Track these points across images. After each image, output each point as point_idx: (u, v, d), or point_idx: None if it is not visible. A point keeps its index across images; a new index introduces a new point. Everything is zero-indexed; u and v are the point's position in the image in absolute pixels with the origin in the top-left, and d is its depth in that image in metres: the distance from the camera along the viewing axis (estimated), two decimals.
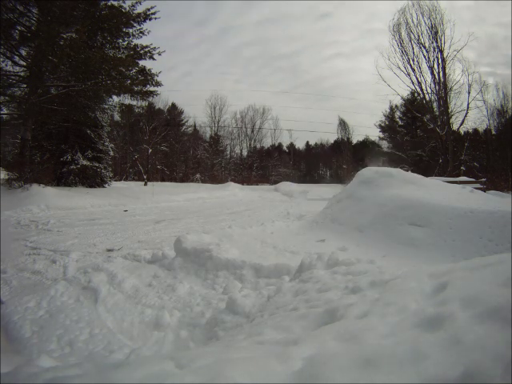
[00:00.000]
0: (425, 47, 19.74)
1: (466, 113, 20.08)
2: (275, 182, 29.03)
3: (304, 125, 41.27)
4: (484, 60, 38.57)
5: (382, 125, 30.96)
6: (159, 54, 13.51)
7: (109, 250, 4.80)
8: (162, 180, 28.94)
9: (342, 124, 34.53)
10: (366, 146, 34.27)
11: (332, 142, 41.11)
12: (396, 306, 1.24)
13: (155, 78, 13.62)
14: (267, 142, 39.81)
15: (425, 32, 19.57)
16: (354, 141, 36.20)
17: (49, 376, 1.03)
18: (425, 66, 20.05)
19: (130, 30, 13.26)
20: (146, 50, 13.32)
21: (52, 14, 10.32)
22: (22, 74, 11.70)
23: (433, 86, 20.15)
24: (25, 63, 11.54)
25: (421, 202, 4.71)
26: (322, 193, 17.90)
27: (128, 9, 12.77)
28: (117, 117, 26.41)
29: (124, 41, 13.52)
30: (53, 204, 8.98)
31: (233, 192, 18.48)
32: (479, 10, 36.11)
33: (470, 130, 24.12)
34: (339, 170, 35.69)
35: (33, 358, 1.87)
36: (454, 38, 19.09)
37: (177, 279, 3.40)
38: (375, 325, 1.12)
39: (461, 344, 0.87)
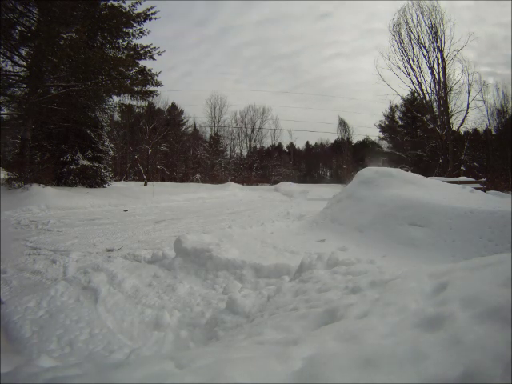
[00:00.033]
0: (425, 47, 19.76)
1: (466, 113, 20.10)
2: (275, 182, 29.04)
3: (304, 125, 41.32)
4: (484, 60, 38.70)
5: (382, 125, 31.00)
6: (159, 54, 13.52)
7: (109, 250, 4.80)
8: (162, 180, 28.95)
9: (342, 124, 34.57)
10: (366, 145, 34.28)
11: (332, 142, 41.18)
12: (396, 306, 1.24)
13: (155, 77, 13.63)
14: (267, 142, 39.89)
15: (425, 32, 19.59)
16: (354, 141, 36.27)
17: (49, 376, 1.03)
18: (425, 66, 20.08)
19: (130, 30, 13.28)
20: (146, 50, 13.33)
21: (52, 14, 10.32)
22: (22, 73, 11.71)
23: (433, 86, 20.18)
24: (25, 63, 11.54)
25: (421, 202, 4.71)
26: (322, 193, 17.90)
27: (128, 9, 12.79)
28: (117, 117, 26.42)
29: (124, 41, 13.54)
30: (53, 204, 8.98)
31: (233, 192, 18.48)
32: (479, 10, 36.21)
33: (470, 130, 24.15)
34: (339, 170, 35.71)
35: (33, 358, 1.87)
36: (453, 38, 19.12)
37: (177, 279, 3.40)
38: (375, 325, 1.12)
39: (461, 344, 0.87)
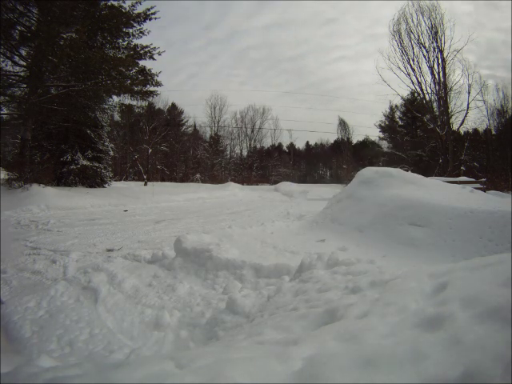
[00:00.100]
0: (425, 47, 19.76)
1: (466, 113, 20.10)
2: (275, 182, 29.04)
3: (304, 125, 41.42)
4: (484, 63, 38.90)
5: (382, 125, 31.01)
6: (159, 54, 13.52)
7: (109, 250, 4.80)
8: (162, 180, 28.96)
9: (342, 124, 34.60)
10: (366, 145, 34.32)
11: (332, 142, 41.20)
12: (396, 306, 1.24)
13: (155, 77, 13.63)
14: (267, 142, 39.91)
15: (425, 32, 19.59)
16: (354, 141, 36.31)
17: (49, 376, 1.03)
18: (425, 66, 20.07)
19: (130, 30, 13.27)
20: (146, 50, 13.32)
21: (52, 14, 10.32)
22: (22, 73, 11.70)
23: (433, 86, 20.18)
24: (25, 63, 11.54)
25: (421, 202, 4.71)
26: (322, 193, 17.91)
27: (128, 9, 12.78)
28: (117, 117, 26.44)
29: (124, 41, 13.53)
30: (53, 204, 8.98)
31: (233, 192, 18.48)
32: (479, 15, 36.36)
33: (470, 130, 24.15)
34: (339, 169, 35.70)
35: (33, 358, 1.87)
36: (453, 38, 19.12)
37: (177, 279, 3.40)
38: (375, 325, 1.12)
39: (461, 344, 0.87)
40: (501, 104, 23.61)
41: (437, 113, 20.72)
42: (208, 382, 0.87)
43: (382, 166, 24.93)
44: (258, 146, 38.16)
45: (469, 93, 19.73)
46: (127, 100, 16.69)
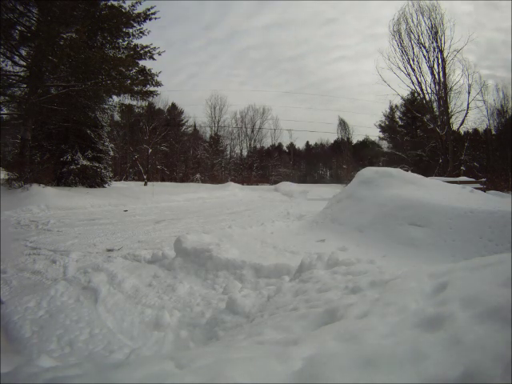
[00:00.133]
0: (425, 47, 19.76)
1: (466, 113, 20.11)
2: (275, 182, 29.05)
3: (304, 125, 41.46)
4: (483, 63, 38.97)
5: (382, 125, 31.02)
6: (159, 54, 13.52)
7: (109, 250, 4.80)
8: (162, 180, 28.97)
9: (342, 124, 34.61)
10: (366, 145, 34.33)
11: (332, 142, 41.21)
12: (396, 306, 1.24)
13: (155, 77, 13.63)
14: (267, 142, 39.92)
15: (425, 32, 19.59)
16: (354, 141, 36.31)
17: (49, 376, 1.03)
18: (425, 66, 20.07)
19: (130, 30, 13.27)
20: (146, 50, 13.32)
21: (52, 13, 10.32)
22: (22, 73, 11.70)
23: (433, 86, 20.18)
24: (25, 63, 11.54)
25: (421, 202, 4.72)
26: (322, 193, 17.91)
27: (128, 9, 12.78)
28: (117, 117, 26.44)
29: (124, 41, 13.53)
30: (53, 204, 8.98)
31: (233, 192, 18.48)
32: (479, 15, 36.42)
33: (470, 130, 24.16)
34: (339, 169, 35.70)
35: (33, 358, 1.87)
36: (453, 38, 19.12)
37: (177, 279, 3.40)
38: (375, 325, 1.12)
39: (461, 344, 0.87)
40: (501, 104, 23.64)
41: (437, 113, 20.73)
42: (208, 382, 0.87)
43: (382, 165, 24.94)
44: (258, 146, 38.21)
45: (469, 93, 19.75)
46: (127, 100, 16.72)
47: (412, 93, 22.77)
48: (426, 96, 20.62)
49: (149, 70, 13.47)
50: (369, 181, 5.92)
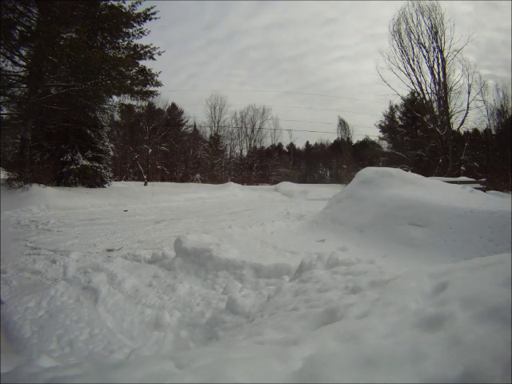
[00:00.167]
0: (425, 47, 19.76)
1: (466, 113, 20.11)
2: (275, 182, 29.05)
3: (304, 125, 41.51)
4: (483, 63, 39.01)
5: (382, 125, 31.02)
6: (159, 54, 13.52)
7: (109, 250, 4.80)
8: (162, 180, 28.97)
9: (342, 124, 34.62)
10: (366, 145, 34.33)
11: (332, 142, 41.22)
12: (396, 306, 1.24)
13: (155, 77, 13.63)
14: (267, 142, 39.92)
15: (425, 32, 19.59)
16: (354, 141, 36.32)
17: (49, 376, 1.03)
18: (425, 66, 20.07)
19: (130, 30, 13.27)
20: (146, 50, 13.32)
21: (52, 14, 10.32)
22: (22, 73, 11.70)
23: (433, 86, 20.18)
24: (25, 63, 11.54)
25: (421, 202, 4.71)
26: (322, 193, 17.90)
27: (128, 9, 12.78)
28: (117, 117, 26.44)
29: (124, 41, 13.54)
30: (53, 204, 8.98)
31: (233, 192, 18.48)
32: (479, 15, 36.43)
33: (470, 130, 24.16)
34: (339, 169, 35.71)
35: (33, 358, 1.87)
36: (453, 38, 19.12)
37: (177, 279, 3.40)
38: (375, 325, 1.12)
39: (461, 344, 0.87)
40: (501, 104, 23.64)
41: (437, 113, 20.73)
42: (208, 382, 0.87)
43: (382, 165, 24.95)
44: (258, 146, 38.21)
45: (469, 93, 19.75)
46: (127, 100, 16.72)
47: (412, 93, 22.79)
48: (426, 96, 20.64)
49: (149, 70, 13.47)
50: (369, 181, 5.92)
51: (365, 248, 4.25)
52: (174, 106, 34.64)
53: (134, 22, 13.10)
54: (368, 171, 6.31)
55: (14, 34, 11.06)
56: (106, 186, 14.97)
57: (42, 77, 11.44)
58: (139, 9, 13.09)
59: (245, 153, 37.48)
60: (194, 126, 36.53)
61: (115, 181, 19.82)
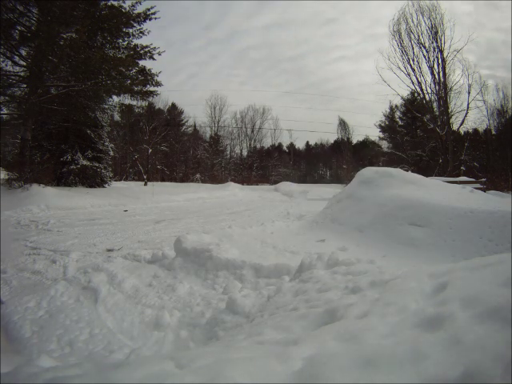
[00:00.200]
0: (425, 47, 19.76)
1: (466, 113, 20.11)
2: (275, 182, 29.05)
3: (304, 125, 41.50)
4: (483, 63, 39.05)
5: (382, 125, 31.01)
6: (159, 54, 13.52)
7: (109, 250, 4.80)
8: (162, 180, 28.97)
9: (342, 124, 34.63)
10: (366, 145, 34.34)
11: (332, 142, 41.23)
12: (396, 306, 1.24)
13: (155, 77, 13.63)
14: (267, 142, 39.93)
15: (425, 32, 19.59)
16: (354, 141, 36.33)
17: (49, 376, 1.03)
18: (425, 66, 20.08)
19: (130, 30, 13.26)
20: (146, 50, 13.32)
21: (52, 14, 10.32)
22: (22, 74, 11.70)
23: (433, 86, 20.18)
24: (25, 63, 11.53)
25: (421, 202, 4.71)
26: (322, 193, 17.89)
27: (128, 9, 12.78)
28: (117, 117, 26.43)
29: (124, 41, 13.52)
30: (53, 204, 8.98)
31: (233, 192, 18.48)
32: (479, 15, 36.44)
33: (470, 130, 24.17)
34: (339, 169, 35.72)
35: (33, 358, 1.87)
36: (453, 38, 19.12)
37: (177, 279, 3.40)
38: (375, 325, 1.12)
39: (461, 344, 0.87)
40: (501, 104, 23.66)
41: (437, 113, 20.73)
42: (208, 382, 0.87)
43: (382, 166, 24.96)
44: (258, 146, 38.22)
45: (469, 93, 19.76)
46: (127, 100, 16.72)
47: (412, 93, 22.79)
48: (426, 96, 20.65)
49: (149, 70, 13.47)
50: (369, 181, 5.92)
51: (365, 248, 4.25)
52: (174, 105, 34.67)
53: (134, 22, 13.09)
54: (368, 171, 6.31)
55: (14, 34, 11.05)
56: (106, 186, 14.97)
57: (41, 77, 11.44)
58: (139, 9, 13.11)
59: (245, 153, 37.54)
60: (194, 125, 36.58)
61: (115, 181, 19.82)
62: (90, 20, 11.46)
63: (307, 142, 45.89)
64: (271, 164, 37.34)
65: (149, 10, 13.07)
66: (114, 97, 14.84)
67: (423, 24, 19.51)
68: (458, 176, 15.07)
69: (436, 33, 19.33)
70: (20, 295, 2.94)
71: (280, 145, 41.54)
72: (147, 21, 13.22)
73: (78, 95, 11.99)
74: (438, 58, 19.65)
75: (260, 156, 37.31)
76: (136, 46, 13.45)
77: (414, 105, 23.59)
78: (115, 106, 16.14)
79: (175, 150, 33.07)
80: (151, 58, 13.48)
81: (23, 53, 11.56)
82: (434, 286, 1.31)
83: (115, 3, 12.53)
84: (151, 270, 3.71)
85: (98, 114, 14.53)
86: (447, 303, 1.10)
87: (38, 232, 6.11)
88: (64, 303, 2.77)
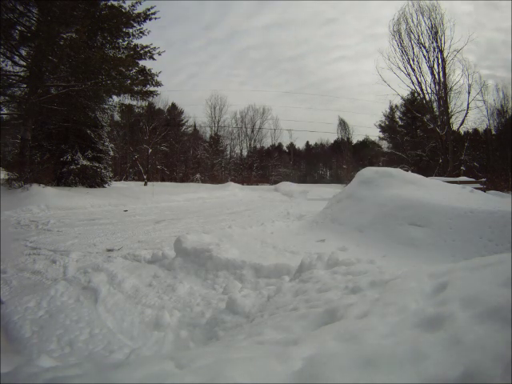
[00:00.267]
0: (425, 47, 19.77)
1: (466, 113, 20.12)
2: (275, 182, 29.05)
3: (304, 125, 41.53)
4: (483, 63, 39.10)
5: (382, 125, 31.01)
6: (159, 54, 13.52)
7: (109, 250, 4.80)
8: (162, 180, 28.98)
9: (342, 124, 34.63)
10: (366, 145, 34.35)
11: (332, 142, 41.23)
12: (396, 306, 1.24)
13: (155, 77, 13.63)
14: (267, 142, 39.93)
15: (425, 32, 19.60)
16: (354, 141, 36.33)
17: (49, 376, 1.03)
18: (425, 66, 20.08)
19: (130, 30, 13.26)
20: (146, 50, 13.32)
21: (52, 14, 10.32)
22: (22, 74, 11.70)
23: (433, 86, 20.19)
24: (25, 63, 11.53)
25: (421, 202, 4.71)
26: (322, 193, 17.89)
27: (128, 9, 12.78)
28: (117, 117, 26.43)
29: (124, 41, 13.53)
30: (53, 204, 8.98)
31: (233, 192, 18.48)
32: (479, 15, 36.46)
33: (470, 130, 24.17)
34: (339, 169, 35.72)
35: (33, 358, 1.87)
36: (453, 38, 19.12)
37: (177, 279, 3.40)
38: (375, 325, 1.12)
39: (461, 344, 0.87)
40: (501, 104, 23.66)
41: (437, 113, 20.74)
42: (208, 382, 0.87)
43: (382, 166, 24.96)
44: (258, 146, 38.22)
45: (469, 93, 19.76)
46: (127, 100, 16.72)
47: (412, 93, 22.80)
48: (426, 96, 20.65)
49: (149, 70, 13.47)
50: (369, 181, 5.92)
51: (365, 248, 4.25)
52: (174, 105, 34.67)
53: (134, 22, 13.09)
54: (368, 171, 6.31)
55: (14, 34, 11.05)
56: (106, 186, 14.97)
57: (41, 77, 11.44)
58: (139, 9, 13.11)
59: (245, 153, 37.54)
60: (194, 125, 36.59)
61: (115, 181, 19.82)
62: (90, 20, 11.46)
63: (307, 142, 45.96)
64: (271, 164, 37.34)
65: (149, 10, 13.09)
66: (114, 97, 14.86)
67: (423, 24, 19.54)
68: (457, 176, 15.08)
69: (436, 33, 19.34)
70: (20, 295, 2.94)
71: (280, 145, 41.58)
72: (147, 21, 13.23)
73: (78, 95, 12.00)
74: (438, 57, 19.67)
75: (260, 156, 37.31)
76: (136, 45, 13.45)
77: (414, 105, 23.60)
78: (115, 106, 16.15)
79: (175, 150, 33.07)
80: (151, 58, 13.48)
81: (23, 53, 11.56)
82: (434, 286, 1.31)
83: (115, 3, 12.55)
84: (151, 269, 3.71)
85: (98, 114, 14.53)
86: (447, 303, 1.10)
87: (37, 232, 6.11)
88: (64, 303, 2.77)
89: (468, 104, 19.86)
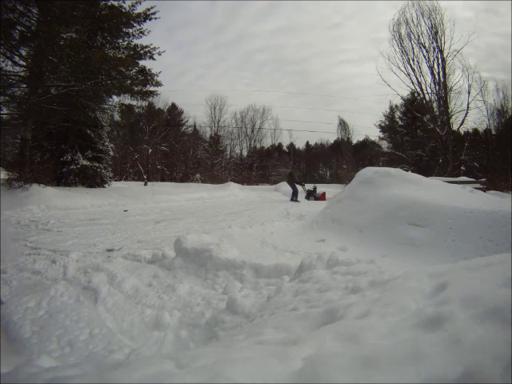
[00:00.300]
0: (425, 47, 19.79)
1: (466, 113, 20.14)
2: (275, 182, 29.02)
3: (304, 125, 41.61)
4: (483, 66, 39.37)
5: (382, 125, 31.02)
6: (159, 54, 13.50)
7: (109, 250, 4.80)
8: (162, 180, 28.99)
9: (342, 124, 34.60)
10: (366, 145, 34.37)
11: (332, 142, 41.24)
12: (396, 306, 1.24)
13: (155, 78, 13.62)
14: (267, 142, 39.92)
15: (425, 32, 19.62)
16: (354, 141, 36.32)
17: (49, 376, 1.03)
18: (425, 67, 20.12)
19: (130, 30, 13.26)
20: (146, 50, 13.31)
21: (52, 13, 10.31)
22: (22, 74, 11.69)
23: (433, 86, 20.21)
24: (25, 63, 11.53)
25: (421, 202, 4.71)
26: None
27: (128, 9, 12.78)
28: (117, 117, 26.43)
29: (124, 41, 13.53)
30: (53, 204, 8.98)
31: (233, 192, 18.47)
32: (479, 21, 36.60)
33: (470, 130, 24.21)
34: (339, 170, 35.72)
35: (33, 358, 1.86)
36: (453, 38, 19.14)
37: (177, 279, 3.40)
38: (375, 325, 1.12)
39: (461, 344, 0.87)
40: (501, 104, 23.67)
41: (437, 113, 20.75)
42: (208, 382, 0.87)
43: (382, 166, 24.95)
44: (258, 146, 38.21)
45: (469, 93, 19.79)
46: (127, 100, 16.68)
47: (412, 93, 22.82)
48: (426, 96, 20.68)
49: (149, 70, 13.46)
50: (369, 181, 5.91)
51: (365, 248, 4.25)
52: (174, 105, 34.70)
53: (134, 22, 13.09)
54: (368, 171, 6.30)
55: (14, 34, 11.05)
56: (106, 185, 14.96)
57: (41, 77, 11.43)
58: (139, 9, 13.12)
59: (245, 153, 37.53)
60: (194, 125, 36.61)
61: (115, 181, 19.83)
62: (90, 20, 11.46)
63: (307, 142, 45.96)
64: (271, 164, 37.34)
65: (149, 9, 13.08)
66: (114, 97, 14.83)
67: (423, 24, 19.57)
68: (457, 176, 15.09)
69: (436, 33, 19.37)
70: (20, 295, 2.94)
71: (280, 145, 41.58)
72: (147, 21, 13.23)
73: (78, 95, 11.99)
74: (437, 58, 19.70)
75: (260, 156, 37.31)
76: (136, 45, 13.45)
77: (414, 105, 23.62)
78: (115, 106, 16.13)
79: (175, 150, 33.08)
80: (151, 58, 13.47)
81: (23, 53, 11.56)
82: (434, 286, 1.31)
83: (115, 3, 12.53)
84: (151, 269, 3.71)
85: (98, 114, 14.52)
86: (447, 303, 1.10)
87: (37, 232, 6.10)
88: (64, 303, 2.76)
89: (468, 104, 19.92)
